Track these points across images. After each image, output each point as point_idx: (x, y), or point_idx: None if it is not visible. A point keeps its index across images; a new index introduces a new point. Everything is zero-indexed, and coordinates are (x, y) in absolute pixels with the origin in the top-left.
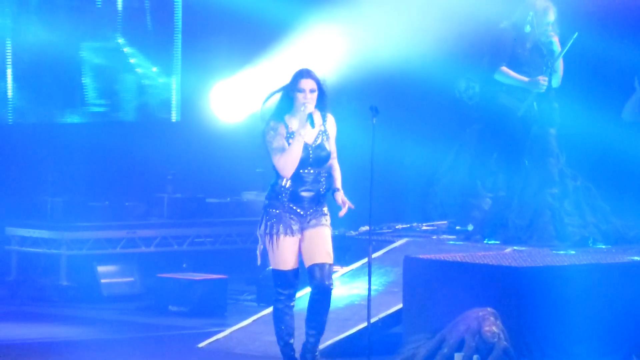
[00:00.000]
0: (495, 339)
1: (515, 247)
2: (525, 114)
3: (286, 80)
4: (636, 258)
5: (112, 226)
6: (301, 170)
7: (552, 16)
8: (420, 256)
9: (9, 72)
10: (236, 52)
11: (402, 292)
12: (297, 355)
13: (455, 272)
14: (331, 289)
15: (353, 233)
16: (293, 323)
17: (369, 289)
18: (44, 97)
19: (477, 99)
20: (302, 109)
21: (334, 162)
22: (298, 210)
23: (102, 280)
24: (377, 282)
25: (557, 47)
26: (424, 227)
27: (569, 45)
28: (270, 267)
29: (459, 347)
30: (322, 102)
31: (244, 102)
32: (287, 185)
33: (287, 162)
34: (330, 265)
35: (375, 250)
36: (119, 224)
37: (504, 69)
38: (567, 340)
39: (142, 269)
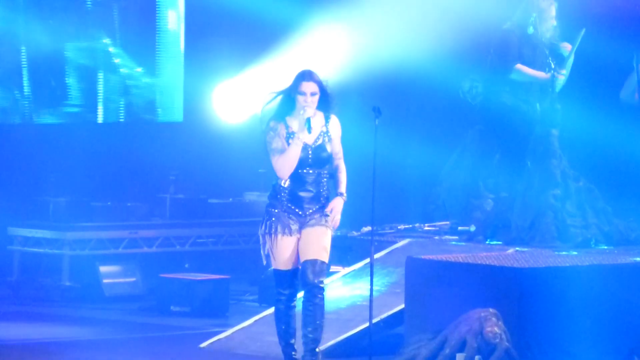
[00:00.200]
0: (497, 340)
1: (517, 248)
2: (531, 114)
3: (288, 81)
4: (638, 259)
5: (114, 226)
6: (300, 171)
7: (553, 11)
8: (423, 257)
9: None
10: (239, 53)
11: (404, 293)
12: (299, 355)
13: (458, 273)
14: (320, 287)
15: (355, 233)
16: (294, 323)
17: (371, 290)
18: (26, 98)
19: (480, 98)
20: (301, 112)
21: (340, 164)
22: (297, 211)
23: (105, 281)
24: (379, 283)
25: (565, 51)
26: (426, 228)
27: (578, 42)
28: (272, 268)
29: (461, 347)
30: (325, 104)
31: (246, 103)
32: (287, 186)
33: (284, 164)
34: (323, 262)
35: (377, 251)
36: (121, 224)
37: (519, 66)
38: (569, 340)
39: (144, 269)
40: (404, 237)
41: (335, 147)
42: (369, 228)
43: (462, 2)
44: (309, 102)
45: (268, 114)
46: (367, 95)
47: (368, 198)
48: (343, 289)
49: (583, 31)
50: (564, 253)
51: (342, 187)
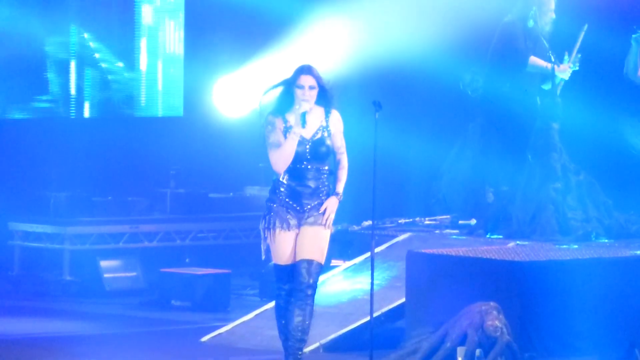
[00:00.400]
0: (498, 333)
1: (518, 242)
2: (532, 107)
3: (288, 75)
4: (639, 252)
5: (115, 221)
6: (299, 165)
7: (552, 4)
8: (423, 250)
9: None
10: (239, 47)
11: (404, 287)
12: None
13: (458, 267)
14: (313, 288)
15: (356, 228)
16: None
17: (372, 284)
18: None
19: (481, 91)
20: (297, 107)
21: (343, 159)
22: (295, 206)
23: (105, 275)
24: (380, 277)
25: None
26: (427, 222)
27: (581, 38)
28: (271, 262)
29: (462, 341)
30: (325, 99)
31: (247, 97)
32: (286, 180)
33: (279, 158)
34: (319, 264)
35: (378, 245)
36: (121, 218)
37: (533, 58)
38: (569, 334)
39: (145, 264)
40: (404, 231)
41: (337, 142)
42: (369, 222)
43: None
44: (306, 96)
45: (267, 108)
46: (368, 89)
47: (369, 192)
48: (344, 283)
49: (585, 27)
50: (564, 246)
51: (340, 187)
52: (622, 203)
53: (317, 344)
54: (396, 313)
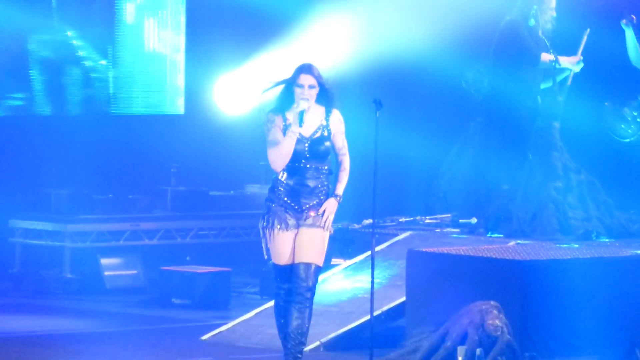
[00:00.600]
0: (499, 332)
1: (518, 241)
2: (533, 106)
3: (289, 74)
4: (639, 251)
5: (115, 219)
6: (297, 164)
7: (553, 2)
8: (424, 249)
9: None
10: (240, 45)
11: (405, 285)
12: None
13: (459, 266)
14: (312, 291)
15: (356, 226)
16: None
17: (372, 282)
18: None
19: (485, 91)
20: (295, 105)
21: (344, 161)
22: (293, 205)
23: (106, 273)
24: (381, 275)
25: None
26: (428, 220)
27: (584, 42)
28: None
29: (462, 340)
30: (325, 98)
31: (247, 95)
32: (284, 179)
33: (277, 156)
34: (317, 266)
35: (378, 244)
36: (122, 216)
37: (545, 55)
38: (570, 333)
39: (146, 262)
40: (405, 230)
41: (338, 142)
42: (370, 221)
43: None
44: (306, 95)
45: (267, 106)
46: (368, 88)
47: (369, 190)
48: (344, 282)
49: (588, 31)
50: (565, 245)
51: (340, 188)
52: (623, 202)
53: (317, 343)
54: (396, 312)
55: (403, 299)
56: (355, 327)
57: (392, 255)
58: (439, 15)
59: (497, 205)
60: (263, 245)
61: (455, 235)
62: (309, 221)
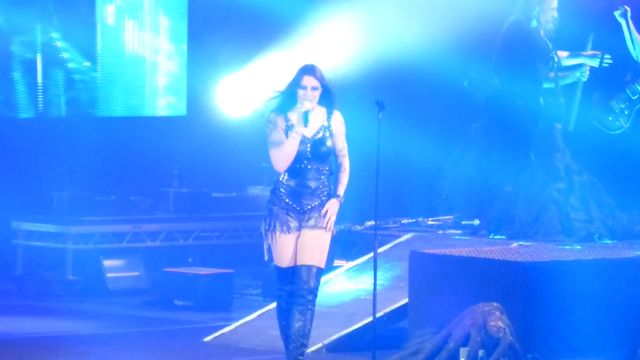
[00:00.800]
0: (501, 334)
1: (521, 242)
2: (535, 108)
3: (292, 75)
4: None
5: (118, 220)
6: (299, 165)
7: (555, 2)
8: (426, 251)
9: None
10: (242, 47)
11: (407, 287)
12: None
13: (461, 267)
14: (314, 293)
15: (359, 228)
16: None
17: (375, 284)
18: None
19: (490, 92)
20: (299, 106)
21: (344, 162)
22: (295, 206)
23: (108, 275)
24: (383, 277)
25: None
26: (430, 222)
27: (589, 47)
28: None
29: (465, 341)
30: (327, 99)
31: (250, 96)
32: (286, 181)
33: (280, 157)
34: (320, 269)
35: (381, 245)
36: (124, 218)
37: (560, 53)
38: (572, 334)
39: (148, 263)
40: (407, 231)
41: (339, 144)
42: (372, 222)
43: None
44: (309, 96)
45: (269, 107)
46: (371, 89)
47: (371, 192)
48: (347, 283)
49: (592, 36)
50: (567, 247)
51: (341, 189)
52: (625, 204)
53: (319, 344)
54: (399, 313)
55: (405, 300)
56: (357, 328)
57: (394, 257)
58: (441, 17)
59: (500, 207)
60: (265, 247)
61: (457, 237)
62: (311, 222)
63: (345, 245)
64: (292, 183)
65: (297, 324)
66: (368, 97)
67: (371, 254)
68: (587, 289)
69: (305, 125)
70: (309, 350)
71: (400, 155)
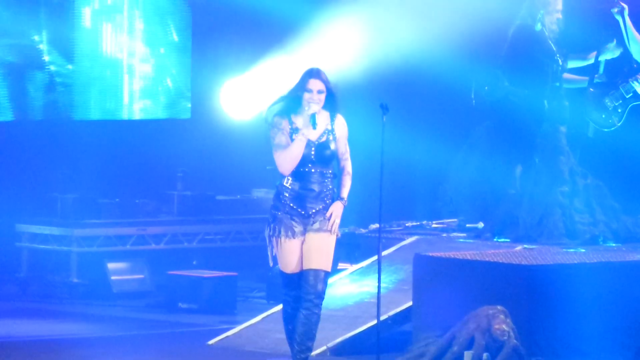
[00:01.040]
0: (505, 337)
1: (525, 245)
2: (539, 111)
3: (296, 79)
4: None
5: (122, 223)
6: (303, 169)
7: (560, 4)
8: (430, 254)
9: None
10: (246, 50)
11: (411, 290)
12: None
13: (465, 270)
14: (321, 297)
15: (363, 231)
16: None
17: (379, 287)
18: None
19: (499, 95)
20: (306, 108)
21: (347, 165)
22: (300, 211)
23: (112, 277)
24: (387, 280)
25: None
26: (434, 225)
27: (605, 55)
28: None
29: (469, 345)
30: (332, 103)
31: (254, 99)
32: (289, 185)
33: (286, 159)
34: (327, 273)
35: (385, 248)
36: (129, 221)
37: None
38: (577, 338)
39: (152, 266)
40: (411, 234)
41: (341, 148)
42: (376, 225)
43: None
44: (315, 100)
45: (271, 113)
46: (375, 92)
47: (376, 195)
48: (351, 286)
49: (614, 42)
50: (571, 250)
51: (344, 192)
52: (630, 206)
53: (324, 347)
54: (403, 316)
55: (410, 303)
56: (361, 331)
57: (398, 260)
58: (445, 20)
59: (504, 210)
60: (269, 252)
61: (461, 240)
62: (316, 226)
63: (349, 248)
64: (296, 187)
65: (302, 327)
66: (372, 100)
67: (375, 257)
68: (591, 292)
69: (314, 127)
70: (314, 353)
71: (405, 158)
